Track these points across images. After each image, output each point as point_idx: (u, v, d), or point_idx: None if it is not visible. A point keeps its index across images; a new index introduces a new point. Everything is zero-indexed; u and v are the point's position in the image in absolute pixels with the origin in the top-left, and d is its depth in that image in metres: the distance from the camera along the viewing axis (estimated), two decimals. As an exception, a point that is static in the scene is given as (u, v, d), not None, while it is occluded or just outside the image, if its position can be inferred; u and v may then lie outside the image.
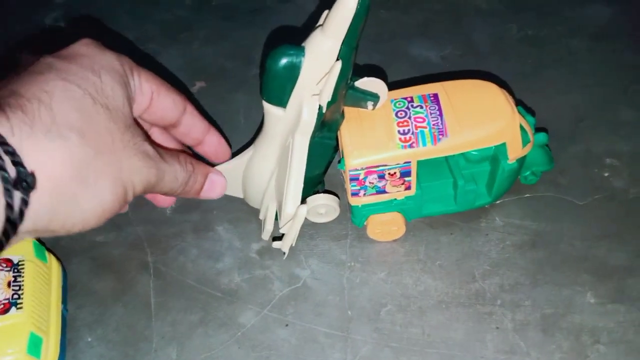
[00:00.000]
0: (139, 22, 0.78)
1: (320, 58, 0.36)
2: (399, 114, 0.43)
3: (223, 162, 0.46)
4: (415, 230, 0.48)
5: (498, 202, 0.49)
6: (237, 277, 0.46)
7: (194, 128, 0.40)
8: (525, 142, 0.44)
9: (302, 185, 0.39)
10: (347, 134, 0.43)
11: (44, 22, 0.82)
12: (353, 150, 0.41)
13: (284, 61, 0.36)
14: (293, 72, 0.37)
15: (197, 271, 0.47)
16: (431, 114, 0.43)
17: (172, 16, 0.78)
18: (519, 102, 0.52)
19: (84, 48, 0.32)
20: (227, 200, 0.52)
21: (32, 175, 0.25)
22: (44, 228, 0.28)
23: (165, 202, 0.47)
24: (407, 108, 0.43)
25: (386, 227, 0.46)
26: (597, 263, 0.44)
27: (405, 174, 0.43)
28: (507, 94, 0.45)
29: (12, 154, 0.24)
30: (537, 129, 0.48)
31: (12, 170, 0.24)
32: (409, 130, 0.42)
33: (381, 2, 0.74)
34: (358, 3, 0.34)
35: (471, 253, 0.45)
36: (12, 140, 0.25)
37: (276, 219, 0.46)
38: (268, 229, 0.46)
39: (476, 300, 0.42)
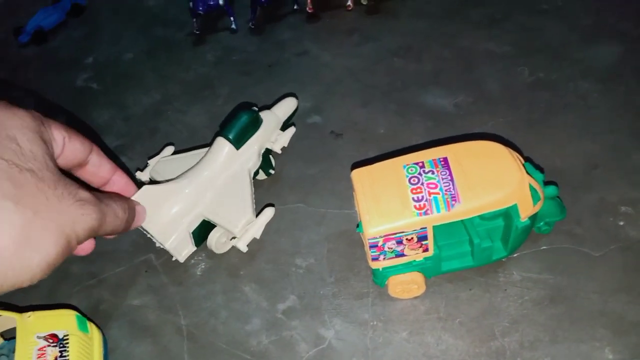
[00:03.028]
0: (163, 80, 0.82)
1: (270, 125, 0.59)
2: (412, 180, 0.45)
3: None
4: (434, 286, 0.49)
5: (515, 254, 0.50)
6: (265, 339, 0.48)
7: (101, 167, 0.42)
8: (535, 200, 0.45)
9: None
10: (364, 201, 0.45)
11: (76, 83, 0.87)
12: (370, 220, 0.44)
13: (255, 116, 0.57)
14: (255, 126, 0.57)
15: (228, 333, 0.49)
16: (443, 179, 0.45)
17: (194, 74, 0.82)
18: (527, 158, 0.53)
19: None
20: (252, 260, 0.55)
21: None
22: None
23: (84, 249, 0.47)
24: (419, 174, 0.45)
25: (407, 286, 0.48)
26: (615, 317, 0.44)
27: (422, 237, 0.45)
28: (514, 153, 0.46)
29: None
30: (547, 182, 0.50)
31: None
32: (422, 197, 0.44)
33: (394, 50, 0.77)
34: (297, 105, 0.64)
35: (490, 309, 0.47)
36: None
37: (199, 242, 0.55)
38: (189, 249, 0.54)
39: (496, 358, 0.44)
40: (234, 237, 0.55)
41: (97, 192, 0.38)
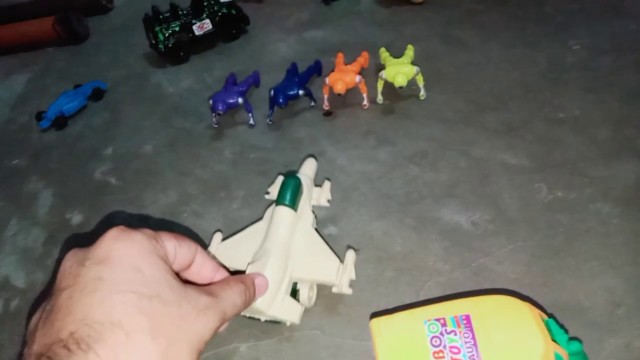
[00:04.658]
0: (181, 178, 0.83)
1: (308, 184, 0.66)
2: (433, 342, 0.44)
3: None
4: None
5: (538, 408, 0.48)
6: None
7: (204, 266, 0.43)
8: (561, 363, 0.44)
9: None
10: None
11: (95, 176, 0.88)
12: (391, 387, 0.43)
13: (298, 178, 0.63)
14: (300, 187, 0.63)
15: None
16: (465, 342, 0.44)
17: (211, 171, 0.83)
18: (550, 315, 0.52)
19: (116, 245, 0.35)
20: (274, 351, 0.54)
21: None
22: None
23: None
24: (441, 334, 0.45)
25: None
26: None
27: (443, 402, 0.44)
28: (537, 316, 0.45)
29: None
30: (570, 338, 0.48)
31: None
32: (445, 361, 0.43)
33: (410, 156, 0.77)
34: (316, 164, 0.72)
35: None
36: None
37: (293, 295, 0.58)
38: (299, 309, 0.57)
39: None
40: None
41: (214, 287, 0.39)
